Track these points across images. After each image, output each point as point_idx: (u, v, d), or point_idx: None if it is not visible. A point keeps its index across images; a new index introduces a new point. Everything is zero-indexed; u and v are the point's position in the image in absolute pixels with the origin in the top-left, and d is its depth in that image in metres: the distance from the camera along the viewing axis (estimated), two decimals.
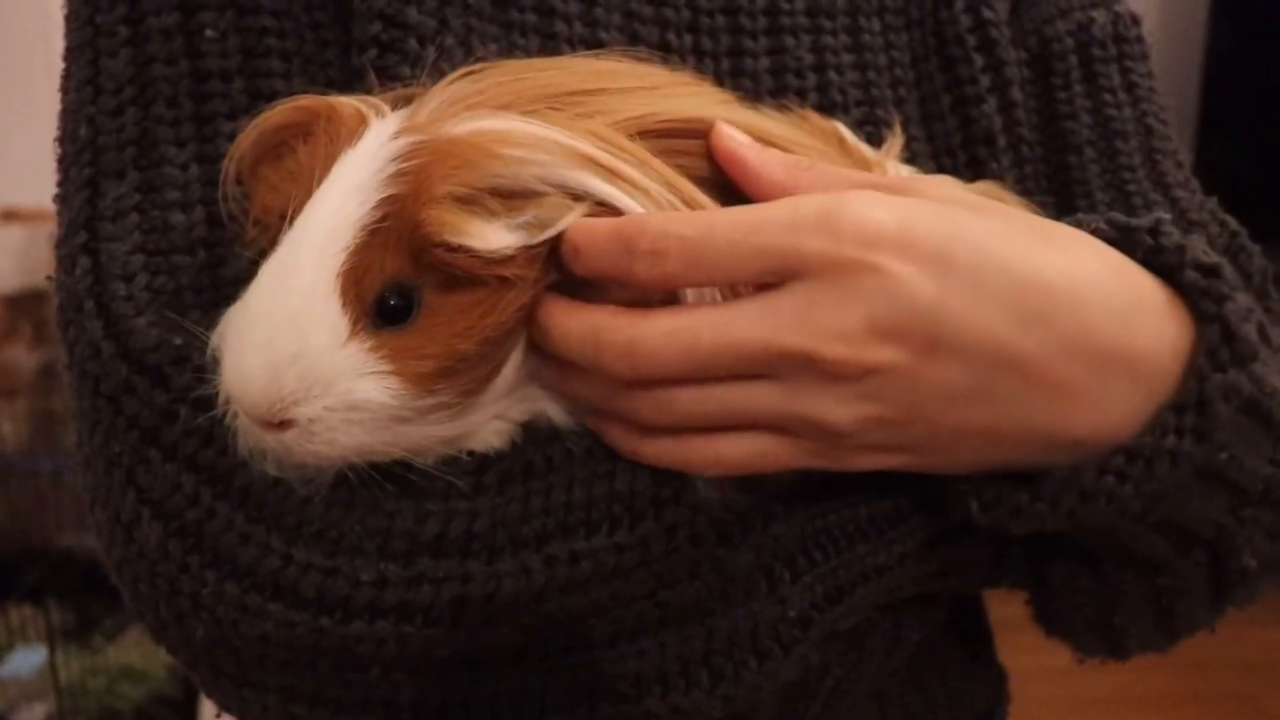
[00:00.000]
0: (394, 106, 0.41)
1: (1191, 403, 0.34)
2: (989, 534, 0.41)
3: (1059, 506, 0.36)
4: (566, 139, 0.36)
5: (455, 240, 0.35)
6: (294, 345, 0.35)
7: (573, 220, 0.36)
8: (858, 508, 0.41)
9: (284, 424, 0.36)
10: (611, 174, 0.36)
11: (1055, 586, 0.45)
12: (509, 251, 0.35)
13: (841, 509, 0.40)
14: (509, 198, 0.36)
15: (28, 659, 1.65)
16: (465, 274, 0.35)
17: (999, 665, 0.66)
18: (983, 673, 0.63)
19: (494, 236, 0.35)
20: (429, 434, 0.37)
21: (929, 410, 0.35)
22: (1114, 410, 0.35)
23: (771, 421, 0.36)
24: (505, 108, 0.38)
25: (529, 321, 0.37)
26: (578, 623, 0.38)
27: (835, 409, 0.35)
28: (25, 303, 1.75)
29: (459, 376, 0.36)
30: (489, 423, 0.37)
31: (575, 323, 0.36)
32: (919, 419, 0.35)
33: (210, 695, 0.43)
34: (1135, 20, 0.56)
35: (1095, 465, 0.35)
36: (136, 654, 1.61)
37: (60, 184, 0.45)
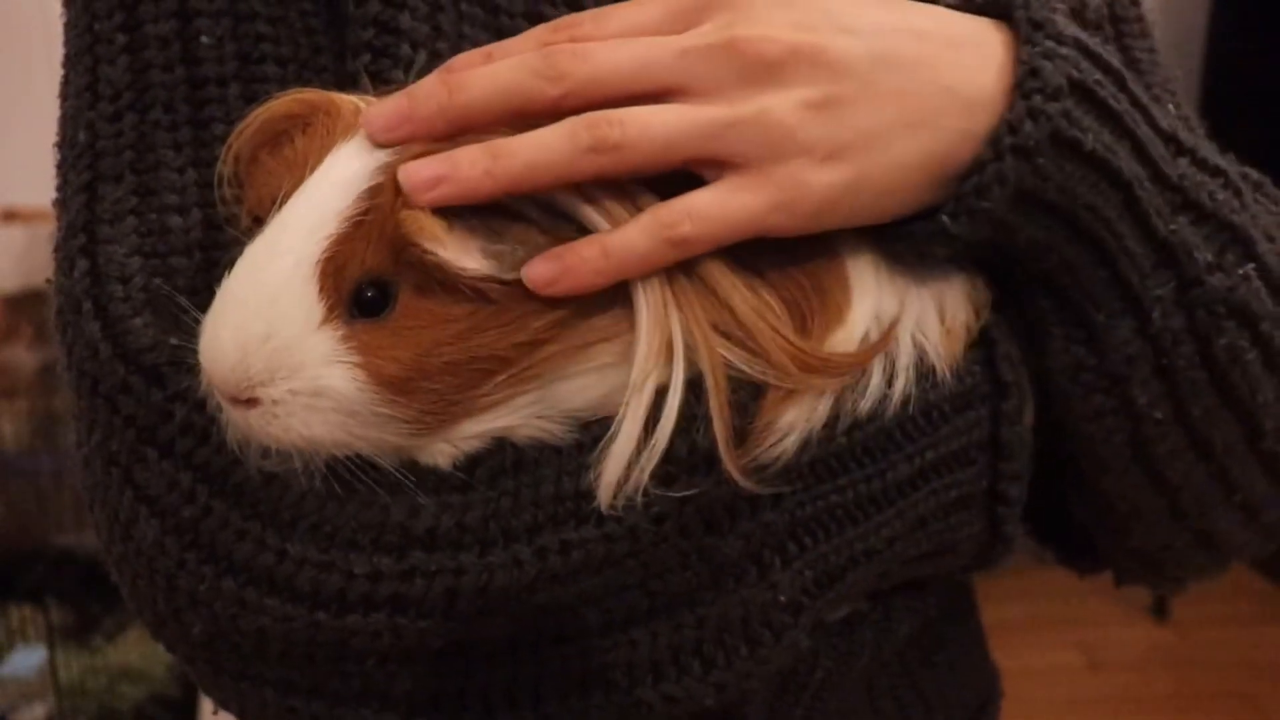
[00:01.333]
0: None
1: (1028, 77, 0.39)
2: (981, 507, 0.43)
3: (993, 193, 0.39)
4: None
5: (429, 246, 0.35)
6: (266, 326, 0.36)
7: None
8: (845, 492, 0.41)
9: (250, 402, 0.37)
10: (588, 198, 0.36)
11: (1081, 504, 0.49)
12: (478, 274, 0.36)
13: (830, 494, 0.41)
14: (493, 215, 0.36)
15: (27, 659, 1.65)
16: (440, 278, 0.36)
17: (992, 661, 0.66)
18: (976, 667, 0.64)
19: (466, 256, 0.35)
20: (382, 441, 0.37)
21: (851, 84, 0.37)
22: (983, 74, 0.39)
23: (712, 132, 0.36)
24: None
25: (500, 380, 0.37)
26: (570, 612, 0.39)
27: (774, 101, 0.36)
28: (25, 303, 1.75)
29: (420, 395, 0.36)
30: (437, 444, 0.38)
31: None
32: (847, 98, 0.37)
33: (208, 691, 0.44)
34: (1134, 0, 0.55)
35: (991, 146, 0.39)
36: (136, 654, 1.62)
37: (59, 188, 0.46)
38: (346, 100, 0.40)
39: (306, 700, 0.40)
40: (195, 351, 0.40)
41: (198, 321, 0.40)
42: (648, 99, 0.37)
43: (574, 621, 0.39)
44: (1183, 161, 0.43)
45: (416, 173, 0.35)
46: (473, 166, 0.35)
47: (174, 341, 0.40)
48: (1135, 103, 0.42)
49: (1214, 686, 2.16)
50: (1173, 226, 0.42)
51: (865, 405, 0.41)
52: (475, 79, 0.37)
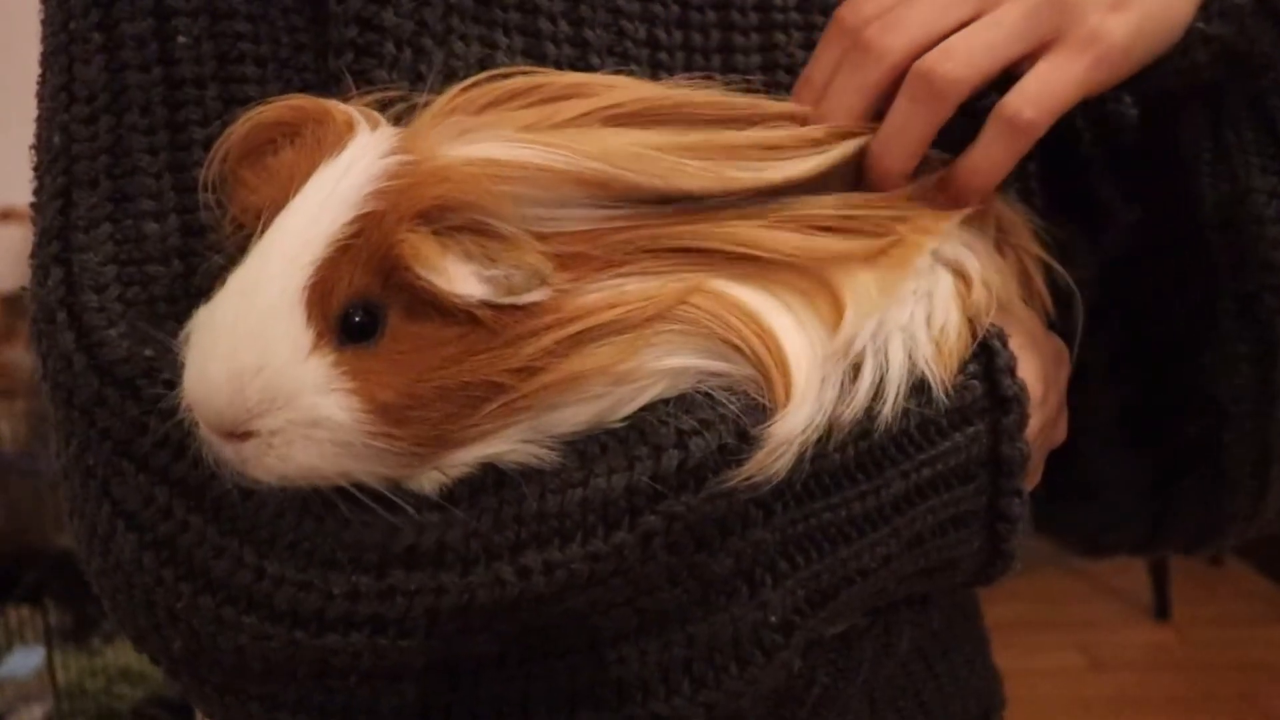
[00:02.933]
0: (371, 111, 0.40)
1: None
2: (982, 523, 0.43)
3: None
4: (560, 163, 0.36)
5: (424, 273, 0.35)
6: (257, 357, 0.35)
7: (538, 298, 0.36)
8: (839, 510, 0.40)
9: (244, 435, 0.36)
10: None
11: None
12: (473, 300, 0.35)
13: (823, 511, 0.40)
14: (489, 238, 0.35)
15: (26, 660, 1.66)
16: (432, 302, 0.35)
17: (995, 668, 0.65)
18: (979, 675, 0.63)
19: (462, 281, 0.35)
20: (373, 472, 0.37)
21: None
22: None
23: (1019, 29, 0.42)
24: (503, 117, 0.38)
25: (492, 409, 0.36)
26: (556, 631, 0.38)
27: None
28: (24, 303, 1.74)
29: (413, 424, 0.36)
30: (428, 471, 0.37)
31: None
32: None
33: (194, 703, 0.43)
34: None
35: None
36: (134, 655, 1.61)
37: (35, 193, 0.45)
38: (340, 110, 0.39)
39: (292, 715, 0.39)
40: (173, 363, 0.39)
41: (176, 331, 0.39)
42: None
43: (561, 639, 0.38)
44: None
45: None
46: (881, 161, 0.43)
47: (149, 353, 0.39)
48: None
49: (1215, 687, 2.16)
50: None
51: (859, 421, 0.40)
52: (896, 143, 0.43)
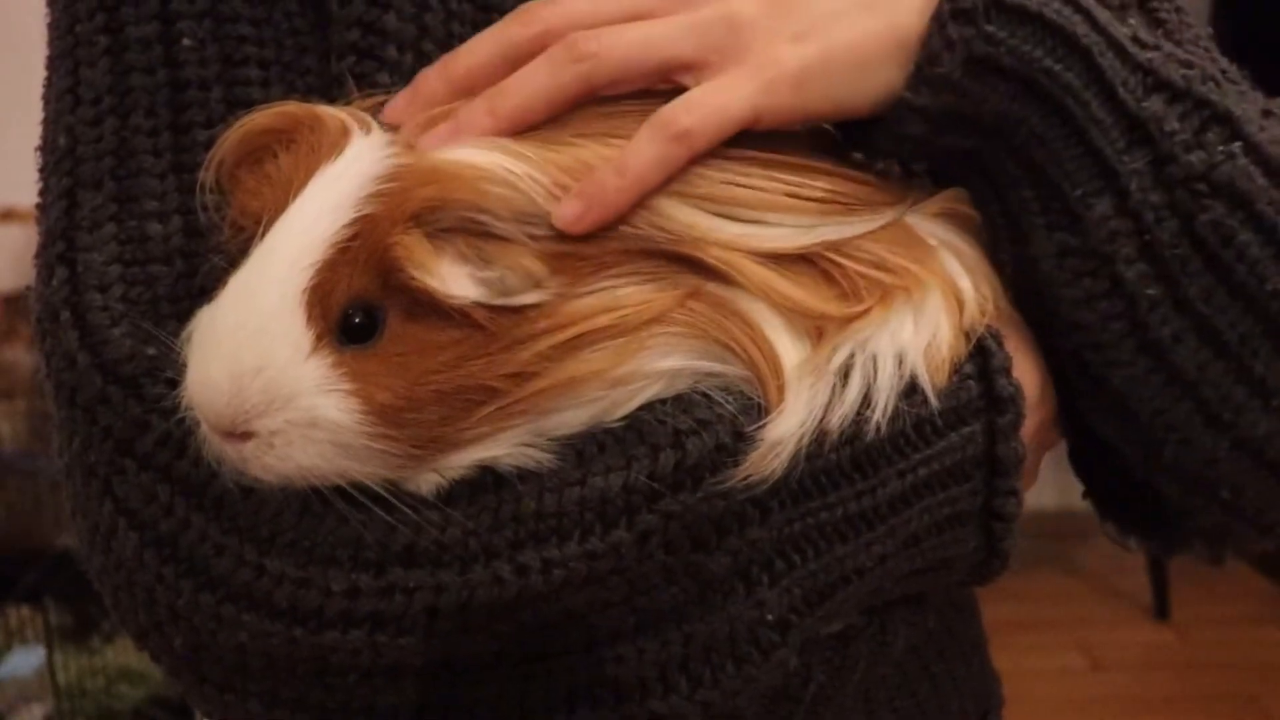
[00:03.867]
0: (372, 114, 0.41)
1: None
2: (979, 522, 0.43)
3: (944, 59, 0.41)
4: (548, 176, 0.36)
5: (417, 274, 0.35)
6: (257, 358, 0.36)
7: (534, 299, 0.36)
8: (835, 509, 0.40)
9: (244, 435, 0.36)
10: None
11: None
12: (467, 301, 0.35)
13: (819, 510, 0.40)
14: (483, 240, 0.36)
15: (26, 660, 1.66)
16: (430, 303, 0.36)
17: (992, 669, 0.66)
18: (976, 676, 0.63)
19: (456, 283, 0.35)
20: (372, 473, 0.37)
21: None
22: None
23: (681, 33, 0.40)
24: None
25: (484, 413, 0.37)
26: (554, 629, 0.38)
27: (736, 3, 0.40)
28: (24, 303, 1.75)
29: (410, 427, 0.36)
30: (425, 473, 0.38)
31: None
32: None
33: (194, 702, 0.43)
34: None
35: (935, 17, 0.41)
36: (135, 655, 1.61)
37: (40, 193, 0.46)
38: (332, 115, 0.39)
39: (291, 713, 0.40)
40: (175, 363, 0.39)
41: (178, 331, 0.40)
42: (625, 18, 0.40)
43: (558, 638, 0.39)
44: (1150, 52, 0.43)
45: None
46: (472, 113, 0.38)
47: (152, 352, 0.40)
48: None
49: (1215, 687, 2.16)
50: (1144, 103, 0.42)
51: (853, 422, 0.40)
52: (513, 91, 0.40)
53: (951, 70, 0.40)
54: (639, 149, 0.38)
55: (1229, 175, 0.42)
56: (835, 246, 0.40)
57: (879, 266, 0.41)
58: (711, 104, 0.39)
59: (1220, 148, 0.42)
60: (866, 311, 0.40)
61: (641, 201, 0.38)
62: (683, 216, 0.38)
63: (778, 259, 0.39)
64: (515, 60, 0.40)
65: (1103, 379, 0.45)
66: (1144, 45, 0.43)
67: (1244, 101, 0.44)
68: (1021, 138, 0.43)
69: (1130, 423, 0.46)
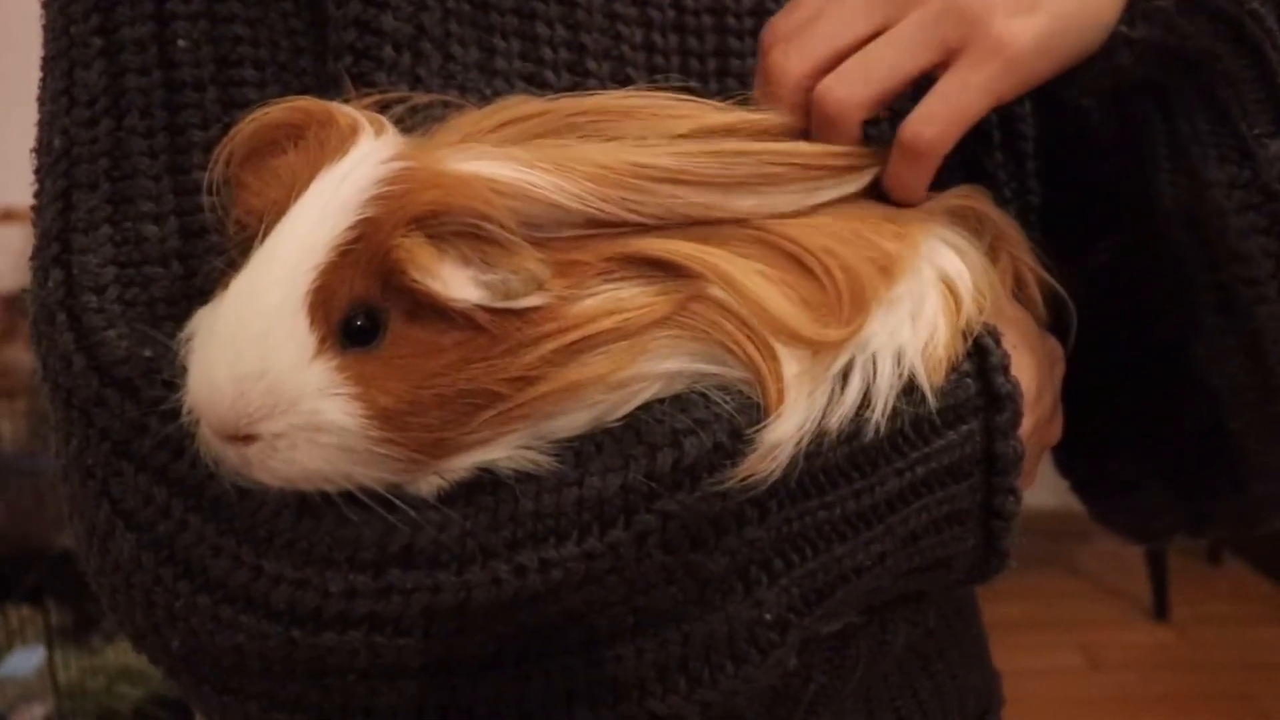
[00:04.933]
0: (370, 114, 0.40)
1: None
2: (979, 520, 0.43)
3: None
4: (559, 191, 0.36)
5: (419, 277, 0.35)
6: (260, 361, 0.36)
7: (536, 302, 0.36)
8: (833, 508, 0.40)
9: (248, 439, 0.36)
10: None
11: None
12: (469, 303, 0.35)
13: (817, 509, 0.40)
14: (486, 243, 0.36)
15: (27, 659, 1.66)
16: (433, 306, 0.36)
17: (993, 667, 0.65)
18: (976, 675, 0.63)
19: (458, 286, 0.35)
20: (374, 476, 0.37)
21: None
22: None
23: (923, 37, 0.42)
24: (513, 139, 0.38)
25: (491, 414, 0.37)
26: (553, 630, 0.38)
27: None
28: (24, 303, 1.74)
29: (412, 430, 0.36)
30: (427, 476, 0.37)
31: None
32: None
33: (192, 703, 0.43)
34: None
35: None
36: (135, 655, 1.60)
37: (36, 195, 0.46)
38: (345, 114, 0.39)
39: (289, 715, 0.40)
40: (172, 364, 0.39)
41: (175, 332, 0.40)
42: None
43: (558, 638, 0.39)
44: None
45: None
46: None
47: (148, 353, 0.40)
48: None
49: (1214, 687, 2.16)
50: None
51: (852, 421, 0.40)
52: (840, 94, 0.43)
53: (1169, 4, 0.43)
54: (898, 175, 0.43)
55: None
56: (829, 251, 0.40)
57: (869, 262, 0.41)
58: (949, 109, 0.42)
59: None
60: (855, 333, 0.40)
61: (664, 189, 0.38)
62: (699, 198, 0.39)
63: (775, 267, 0.39)
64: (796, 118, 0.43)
65: (1249, 314, 0.47)
66: None
67: None
68: (1213, 74, 0.45)
69: (1258, 363, 0.48)
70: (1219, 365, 0.49)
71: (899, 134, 0.42)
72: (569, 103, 0.40)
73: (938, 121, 0.42)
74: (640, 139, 0.39)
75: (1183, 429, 0.53)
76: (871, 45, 0.42)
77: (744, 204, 0.39)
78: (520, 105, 0.41)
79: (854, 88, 0.42)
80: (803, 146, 0.42)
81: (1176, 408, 0.53)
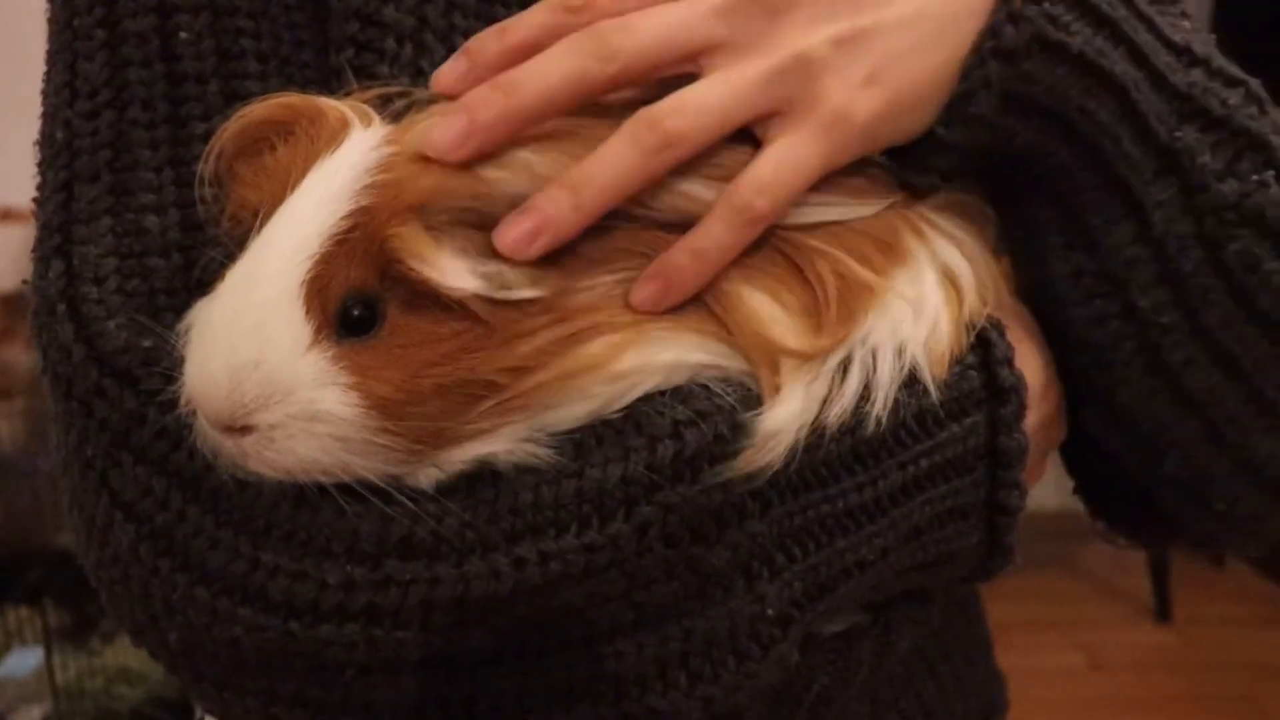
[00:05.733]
0: (373, 106, 0.40)
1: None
2: (980, 519, 0.43)
3: (979, 97, 0.41)
4: (546, 165, 0.36)
5: (416, 265, 0.35)
6: (256, 352, 0.36)
7: (532, 295, 0.36)
8: (835, 501, 0.40)
9: (244, 429, 0.36)
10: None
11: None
12: (466, 293, 0.35)
13: (820, 503, 0.40)
14: (483, 232, 0.36)
15: (25, 660, 1.65)
16: (430, 295, 0.35)
17: (998, 669, 0.65)
18: (981, 677, 0.63)
19: (455, 275, 0.35)
20: (372, 467, 0.37)
21: (868, 15, 0.40)
22: None
23: (758, 88, 0.39)
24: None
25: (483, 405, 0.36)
26: (551, 624, 0.38)
27: (805, 42, 0.39)
28: (22, 302, 1.74)
29: (410, 420, 0.36)
30: (426, 467, 0.37)
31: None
32: (869, 28, 0.40)
33: (192, 697, 0.43)
34: None
35: (975, 53, 0.41)
36: (133, 655, 1.61)
37: (38, 187, 0.46)
38: (332, 107, 0.39)
39: (288, 709, 0.39)
40: (171, 355, 0.39)
41: (175, 323, 0.40)
42: (687, 60, 0.39)
43: (557, 633, 0.38)
44: (1195, 71, 0.43)
45: (510, 233, 0.36)
46: (559, 206, 0.36)
47: (148, 344, 0.40)
48: (1138, 13, 0.43)
49: (1215, 688, 2.16)
50: (1177, 133, 0.43)
51: (853, 413, 0.40)
52: (528, 77, 0.38)
53: (986, 110, 0.41)
54: (714, 234, 0.38)
55: (1260, 204, 0.43)
56: (818, 251, 0.40)
57: (852, 277, 0.40)
58: (784, 180, 0.39)
59: (1254, 176, 0.43)
60: (843, 339, 0.39)
61: (661, 182, 0.38)
62: (697, 192, 0.39)
63: (766, 270, 0.39)
64: (585, 99, 0.39)
65: (1109, 394, 0.46)
66: (1191, 62, 0.44)
67: (1264, 115, 0.45)
68: (1047, 167, 0.43)
69: (1132, 436, 0.47)
70: (1105, 435, 0.47)
71: (730, 196, 0.38)
72: None
73: (771, 193, 0.38)
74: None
75: (1126, 467, 0.50)
76: (708, 82, 0.39)
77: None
78: None
79: (689, 124, 0.38)
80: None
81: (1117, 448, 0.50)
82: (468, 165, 0.36)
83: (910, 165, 0.43)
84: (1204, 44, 0.45)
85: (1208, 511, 0.48)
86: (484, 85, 0.38)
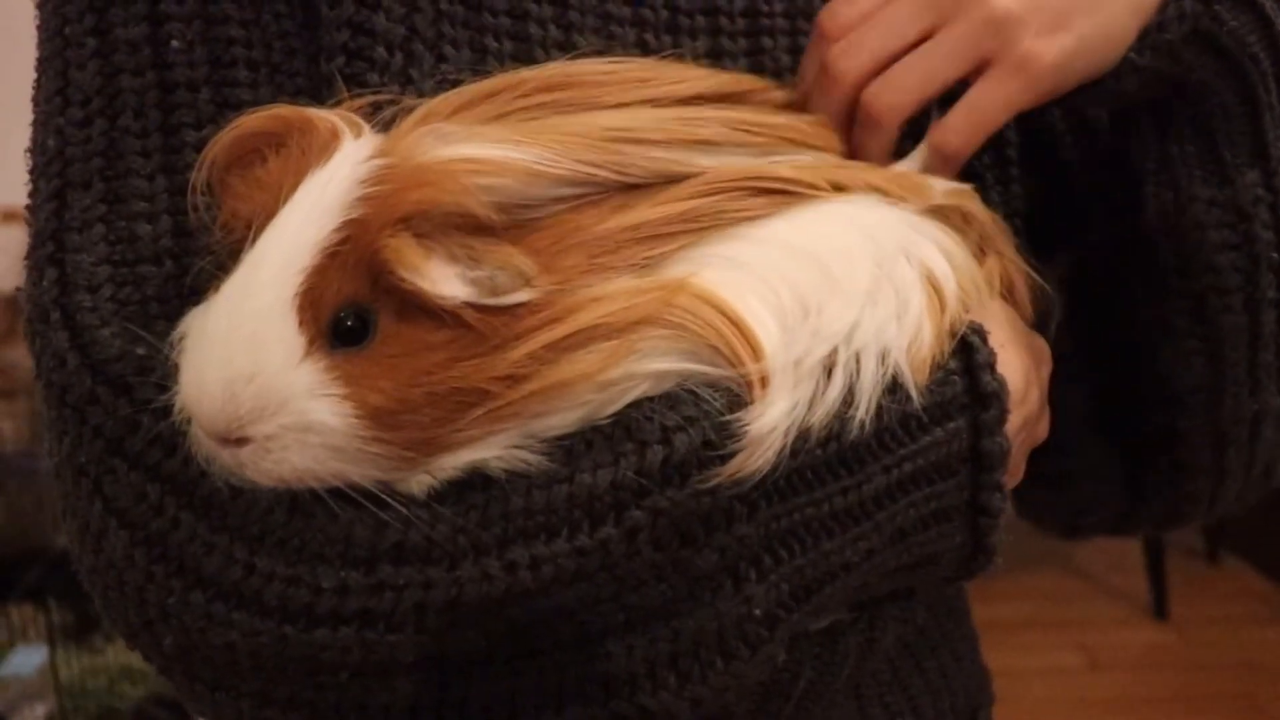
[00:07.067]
0: (363, 114, 0.41)
1: None
2: (968, 516, 0.44)
3: (1173, 27, 0.47)
4: (538, 164, 0.37)
5: (407, 275, 0.35)
6: (251, 364, 0.36)
7: (522, 299, 0.37)
8: (821, 505, 0.41)
9: (240, 440, 0.36)
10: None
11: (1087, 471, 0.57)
12: (457, 301, 0.36)
13: (806, 506, 0.40)
14: (473, 237, 0.36)
15: (28, 659, 1.66)
16: (421, 304, 0.36)
17: (983, 665, 0.66)
18: (967, 672, 0.63)
19: (446, 284, 0.36)
20: (366, 475, 0.37)
21: None
22: None
23: (960, 48, 0.46)
24: (484, 119, 0.39)
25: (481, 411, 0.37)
26: (543, 626, 0.38)
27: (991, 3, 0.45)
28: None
29: (403, 429, 0.36)
30: (418, 475, 0.38)
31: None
32: None
33: (186, 701, 0.43)
34: None
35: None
36: (136, 654, 1.61)
37: (30, 195, 0.46)
38: (323, 118, 0.39)
39: (282, 713, 0.40)
40: (165, 362, 0.39)
41: (168, 331, 0.40)
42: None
43: (548, 635, 0.39)
44: None
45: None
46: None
47: (141, 352, 0.40)
48: None
49: (1214, 687, 2.16)
50: None
51: (837, 418, 0.40)
52: (887, 99, 0.47)
53: (1176, 38, 0.47)
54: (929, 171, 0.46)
55: None
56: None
57: None
58: (973, 120, 0.46)
59: None
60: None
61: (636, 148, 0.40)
62: (669, 155, 0.40)
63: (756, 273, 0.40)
64: (843, 117, 0.48)
65: (1215, 322, 0.52)
66: None
67: None
68: (1208, 104, 0.49)
69: (1215, 367, 0.53)
70: (1182, 366, 0.53)
71: (929, 138, 0.46)
72: (520, 76, 0.41)
73: (962, 132, 0.46)
74: (613, 106, 0.40)
75: (1137, 427, 0.57)
76: (916, 53, 0.46)
77: (702, 162, 0.41)
78: (473, 87, 0.41)
79: (899, 95, 0.46)
80: (771, 117, 0.45)
81: (1134, 406, 0.57)
82: (457, 174, 0.37)
83: (1101, 90, 0.48)
84: None
85: (1220, 460, 0.55)
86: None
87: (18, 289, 0.45)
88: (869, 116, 0.47)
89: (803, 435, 0.39)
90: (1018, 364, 0.46)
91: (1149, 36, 0.46)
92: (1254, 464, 0.56)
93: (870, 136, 0.47)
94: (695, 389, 0.39)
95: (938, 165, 0.47)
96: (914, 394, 0.41)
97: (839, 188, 0.43)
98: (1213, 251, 0.51)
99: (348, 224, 0.36)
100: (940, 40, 0.46)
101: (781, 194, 0.42)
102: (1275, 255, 0.51)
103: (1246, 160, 0.50)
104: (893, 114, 0.46)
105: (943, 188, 0.46)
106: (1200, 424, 0.55)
